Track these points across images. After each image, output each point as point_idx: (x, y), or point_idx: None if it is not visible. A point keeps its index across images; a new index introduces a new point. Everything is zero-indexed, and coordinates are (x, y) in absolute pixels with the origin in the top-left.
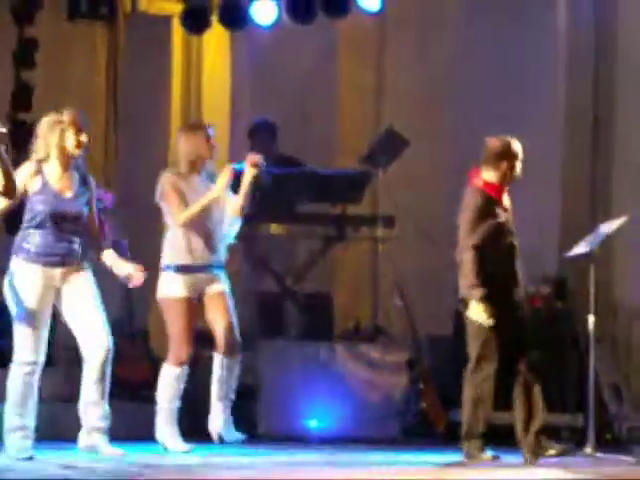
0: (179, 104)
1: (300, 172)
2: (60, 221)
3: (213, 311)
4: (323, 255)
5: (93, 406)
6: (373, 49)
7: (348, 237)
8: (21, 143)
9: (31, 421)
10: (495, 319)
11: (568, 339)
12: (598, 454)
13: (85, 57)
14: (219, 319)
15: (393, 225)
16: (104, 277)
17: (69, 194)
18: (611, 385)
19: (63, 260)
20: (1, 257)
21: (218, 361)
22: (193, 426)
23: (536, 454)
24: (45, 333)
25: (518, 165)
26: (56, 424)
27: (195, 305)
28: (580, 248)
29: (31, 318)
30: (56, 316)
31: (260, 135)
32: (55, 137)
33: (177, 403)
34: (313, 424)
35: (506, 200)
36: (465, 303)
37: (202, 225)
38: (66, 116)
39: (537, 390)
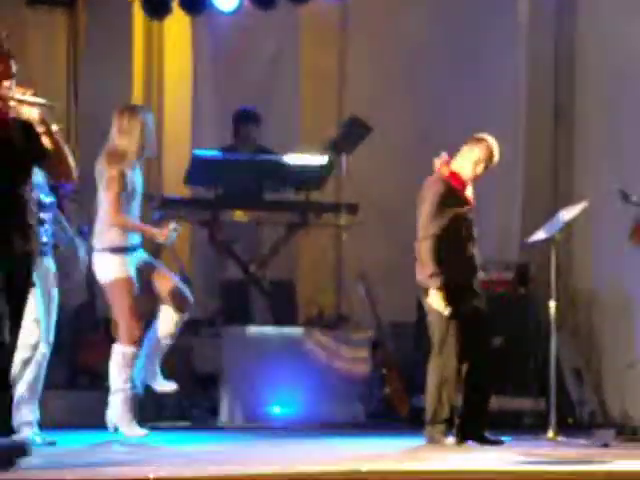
0: (140, 90)
1: (263, 159)
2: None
3: (158, 280)
4: (286, 242)
5: (26, 402)
6: (335, 35)
7: (311, 224)
8: None
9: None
10: (455, 307)
11: (530, 324)
12: (560, 438)
13: (45, 43)
14: (166, 281)
15: (356, 212)
16: (66, 263)
17: None
18: (573, 370)
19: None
20: None
21: (167, 316)
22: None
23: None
24: None
25: (489, 167)
26: None
27: (135, 284)
28: (541, 234)
29: None
30: None
31: (243, 123)
32: None
33: (131, 385)
34: (277, 410)
35: (469, 191)
36: (425, 291)
37: (131, 210)
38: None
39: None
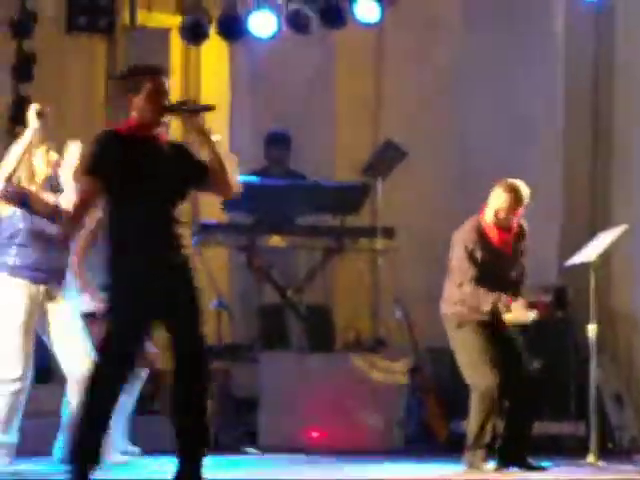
0: None
1: (300, 184)
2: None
3: None
4: (323, 267)
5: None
6: (371, 59)
7: (347, 249)
8: None
9: (14, 438)
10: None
11: (569, 348)
12: (600, 463)
13: (84, 71)
14: None
15: (392, 236)
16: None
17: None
18: (612, 394)
19: (46, 277)
20: None
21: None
22: None
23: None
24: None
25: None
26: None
27: None
28: (580, 257)
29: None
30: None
31: (274, 146)
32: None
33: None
34: (314, 435)
35: (514, 223)
36: (449, 324)
37: None
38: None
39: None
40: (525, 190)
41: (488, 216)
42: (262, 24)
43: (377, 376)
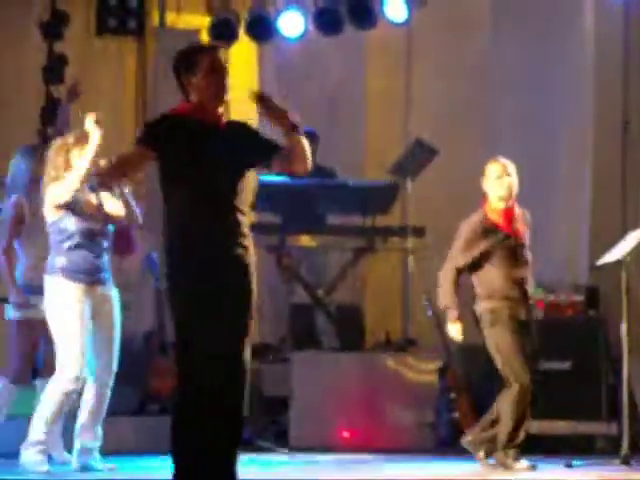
0: None
1: (329, 183)
2: (89, 239)
3: None
4: (353, 266)
5: (89, 428)
6: (401, 58)
7: (378, 248)
8: None
9: (51, 437)
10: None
11: (601, 347)
12: (633, 463)
13: (114, 72)
14: None
15: (423, 235)
16: (136, 289)
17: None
18: None
19: (96, 278)
20: None
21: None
22: None
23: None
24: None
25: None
26: None
27: None
28: (611, 256)
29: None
30: None
31: None
32: (61, 159)
33: None
34: (345, 435)
35: (516, 210)
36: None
37: None
38: (71, 137)
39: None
40: (510, 164)
41: (492, 202)
42: (291, 24)
43: (408, 373)
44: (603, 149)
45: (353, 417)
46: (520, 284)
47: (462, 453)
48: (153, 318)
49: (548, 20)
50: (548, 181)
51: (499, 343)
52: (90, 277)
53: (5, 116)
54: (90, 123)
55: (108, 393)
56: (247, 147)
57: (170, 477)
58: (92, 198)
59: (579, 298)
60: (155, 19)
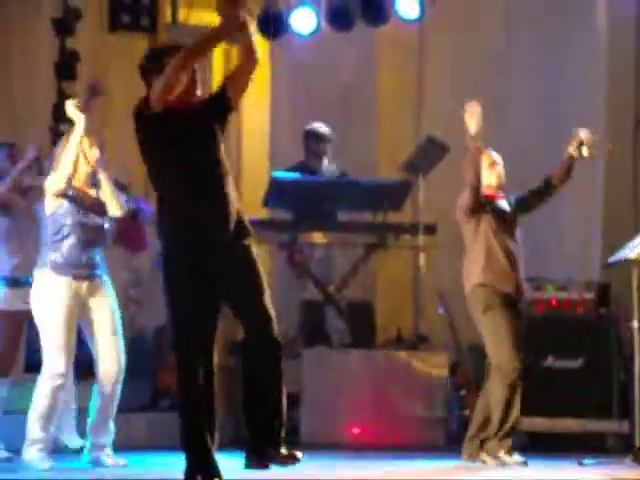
0: None
1: (341, 180)
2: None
3: None
4: (365, 263)
5: (101, 424)
6: (413, 54)
7: (389, 245)
8: None
9: (50, 434)
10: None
11: (612, 345)
12: None
13: (126, 68)
14: None
15: (434, 232)
16: (148, 286)
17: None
18: None
19: (88, 273)
20: None
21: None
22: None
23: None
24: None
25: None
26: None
27: None
28: (622, 254)
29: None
30: None
31: (313, 140)
32: (61, 150)
33: None
34: (356, 431)
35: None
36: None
37: None
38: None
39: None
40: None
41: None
42: (303, 21)
43: (418, 370)
44: (615, 148)
45: (364, 414)
46: (510, 256)
47: None
48: (164, 314)
49: (560, 18)
50: None
51: (492, 327)
52: (81, 272)
53: (17, 113)
54: (70, 108)
55: (118, 389)
56: (211, 106)
57: (182, 473)
58: (91, 192)
59: (591, 296)
60: (167, 15)
